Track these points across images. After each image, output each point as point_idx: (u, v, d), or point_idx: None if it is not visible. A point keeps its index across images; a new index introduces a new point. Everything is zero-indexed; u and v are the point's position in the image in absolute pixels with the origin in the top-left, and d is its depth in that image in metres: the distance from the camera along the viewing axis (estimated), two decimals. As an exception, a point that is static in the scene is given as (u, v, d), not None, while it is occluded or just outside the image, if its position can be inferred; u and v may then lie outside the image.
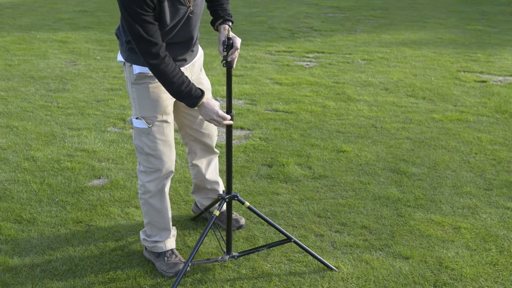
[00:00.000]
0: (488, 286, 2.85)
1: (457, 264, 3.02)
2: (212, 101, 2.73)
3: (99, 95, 5.85)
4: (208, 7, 2.90)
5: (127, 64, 2.81)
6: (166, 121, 2.84)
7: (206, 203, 3.33)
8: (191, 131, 3.09)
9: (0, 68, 6.90)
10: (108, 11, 11.31)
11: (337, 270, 2.97)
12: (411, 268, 2.99)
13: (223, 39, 2.73)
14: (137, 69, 2.77)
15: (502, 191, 3.82)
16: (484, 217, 3.49)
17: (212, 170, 3.28)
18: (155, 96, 2.79)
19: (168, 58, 2.62)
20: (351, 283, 2.87)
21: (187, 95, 2.67)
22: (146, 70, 2.76)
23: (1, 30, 9.37)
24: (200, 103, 2.70)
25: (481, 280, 2.89)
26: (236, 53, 2.71)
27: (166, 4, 2.55)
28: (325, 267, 2.98)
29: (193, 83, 2.69)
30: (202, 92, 2.71)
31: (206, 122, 3.06)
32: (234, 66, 2.75)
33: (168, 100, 2.84)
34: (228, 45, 2.69)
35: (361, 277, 2.91)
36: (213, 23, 2.87)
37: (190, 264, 2.81)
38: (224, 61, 2.70)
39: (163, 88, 2.80)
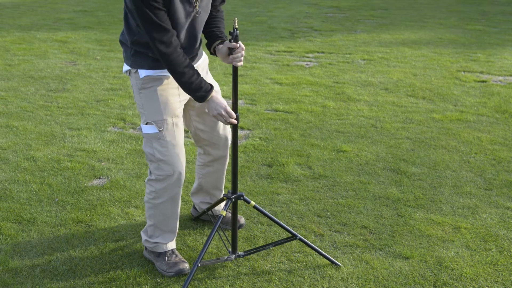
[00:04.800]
0: (488, 286, 2.85)
1: (457, 264, 3.02)
2: (220, 97, 2.74)
3: (99, 95, 5.85)
4: (204, 30, 2.88)
5: (133, 71, 2.80)
6: (176, 125, 2.83)
7: (204, 207, 3.33)
8: (204, 134, 3.08)
9: (0, 68, 6.90)
10: (108, 11, 11.31)
11: (341, 265, 2.98)
12: (411, 268, 2.99)
13: (227, 45, 2.73)
14: (143, 73, 2.76)
15: (502, 191, 3.82)
16: (484, 217, 3.49)
17: (221, 176, 3.28)
18: (163, 99, 2.79)
19: (180, 48, 2.63)
20: (351, 283, 2.87)
21: (198, 87, 2.67)
22: (152, 73, 2.76)
23: (1, 30, 9.37)
24: (209, 97, 2.71)
25: (481, 280, 2.90)
26: (242, 53, 2.72)
27: (177, 2, 2.57)
28: (327, 265, 2.98)
29: (202, 77, 2.70)
30: (211, 86, 2.73)
31: (217, 125, 3.05)
32: (241, 64, 2.76)
33: (176, 102, 2.83)
34: (236, 36, 2.69)
35: (361, 277, 2.91)
36: (209, 45, 2.85)
37: (199, 265, 2.81)
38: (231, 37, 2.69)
39: (171, 91, 2.80)
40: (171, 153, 2.81)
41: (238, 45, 2.71)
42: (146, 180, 2.94)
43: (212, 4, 2.88)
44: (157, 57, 2.65)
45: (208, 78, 3.02)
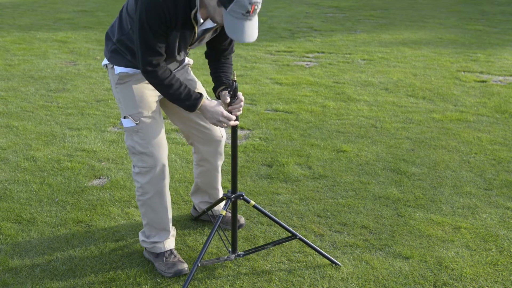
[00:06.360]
0: (488, 286, 2.85)
1: (457, 264, 3.02)
2: (213, 103, 2.76)
3: (99, 95, 5.86)
4: (212, 73, 2.95)
5: (109, 66, 2.87)
6: (153, 118, 2.86)
7: (204, 207, 3.33)
8: (193, 129, 3.09)
9: (0, 68, 6.90)
10: (108, 11, 11.32)
11: (341, 265, 2.99)
12: (411, 268, 2.99)
13: (227, 97, 2.79)
14: (118, 69, 2.82)
15: (502, 191, 3.82)
16: (484, 217, 3.49)
17: (214, 176, 3.28)
18: (139, 92, 2.83)
19: (164, 64, 2.69)
20: (351, 283, 2.87)
21: (187, 97, 2.72)
22: (127, 70, 2.82)
23: (1, 30, 9.37)
24: (200, 104, 2.73)
25: (481, 280, 2.90)
26: (241, 104, 2.78)
27: (175, 35, 2.62)
28: (327, 265, 2.98)
29: (190, 88, 2.74)
30: (200, 94, 2.76)
31: (206, 120, 3.06)
32: (240, 113, 2.81)
33: (152, 96, 2.87)
34: (235, 88, 2.75)
35: (361, 277, 2.91)
36: (215, 89, 2.92)
37: (199, 265, 2.81)
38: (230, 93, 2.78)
39: (146, 85, 2.85)
40: (152, 144, 2.84)
41: (235, 98, 2.77)
42: (132, 175, 2.97)
43: (222, 51, 2.94)
44: (142, 74, 2.70)
45: (189, 77, 3.06)
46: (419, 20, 10.42)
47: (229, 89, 2.79)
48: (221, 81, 2.90)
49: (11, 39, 8.59)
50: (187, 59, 3.06)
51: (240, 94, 2.79)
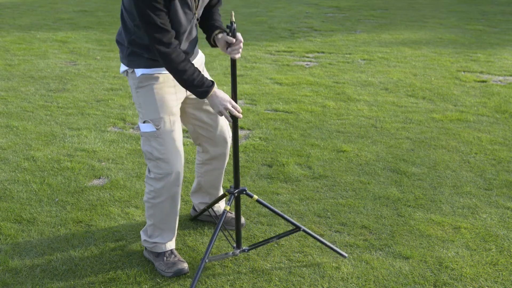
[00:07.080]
0: (488, 286, 2.86)
1: (457, 264, 3.02)
2: (222, 92, 2.77)
3: (99, 95, 5.86)
4: (202, 25, 2.92)
5: (129, 70, 2.83)
6: (173, 123, 2.83)
7: (203, 207, 3.32)
8: (202, 131, 3.08)
9: (0, 68, 6.90)
10: (108, 11, 11.31)
11: (347, 256, 3.02)
12: (411, 268, 2.99)
13: (225, 39, 2.76)
14: (139, 71, 2.78)
15: (502, 191, 3.82)
16: (484, 217, 3.49)
17: (219, 175, 3.27)
18: (160, 97, 2.80)
19: (179, 47, 2.65)
20: (351, 283, 2.87)
21: (200, 83, 2.69)
22: (148, 71, 2.78)
23: (1, 30, 9.37)
24: (212, 91, 2.72)
25: (481, 280, 2.90)
26: (241, 45, 2.75)
27: (177, 4, 2.59)
28: (327, 265, 2.98)
29: (203, 74, 2.73)
30: (213, 82, 2.75)
31: (215, 121, 3.05)
32: (238, 56, 2.78)
33: (173, 101, 2.84)
34: (234, 29, 2.72)
35: (361, 277, 2.91)
36: (209, 36, 2.88)
37: (207, 261, 2.81)
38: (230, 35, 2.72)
39: (167, 89, 2.81)
40: (170, 151, 2.82)
41: (234, 40, 2.74)
42: (145, 179, 2.95)
43: (211, 7, 2.92)
44: (157, 57, 2.67)
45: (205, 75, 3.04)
46: (419, 20, 10.42)
47: (228, 31, 2.74)
48: (215, 26, 2.86)
49: (11, 39, 8.59)
50: (200, 54, 3.04)
51: (239, 34, 2.75)
